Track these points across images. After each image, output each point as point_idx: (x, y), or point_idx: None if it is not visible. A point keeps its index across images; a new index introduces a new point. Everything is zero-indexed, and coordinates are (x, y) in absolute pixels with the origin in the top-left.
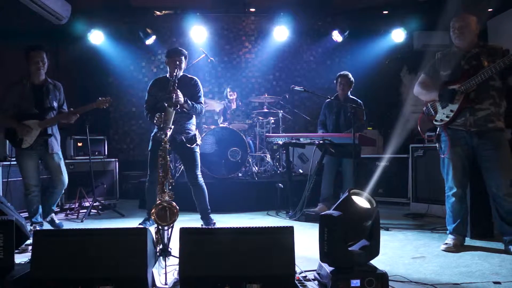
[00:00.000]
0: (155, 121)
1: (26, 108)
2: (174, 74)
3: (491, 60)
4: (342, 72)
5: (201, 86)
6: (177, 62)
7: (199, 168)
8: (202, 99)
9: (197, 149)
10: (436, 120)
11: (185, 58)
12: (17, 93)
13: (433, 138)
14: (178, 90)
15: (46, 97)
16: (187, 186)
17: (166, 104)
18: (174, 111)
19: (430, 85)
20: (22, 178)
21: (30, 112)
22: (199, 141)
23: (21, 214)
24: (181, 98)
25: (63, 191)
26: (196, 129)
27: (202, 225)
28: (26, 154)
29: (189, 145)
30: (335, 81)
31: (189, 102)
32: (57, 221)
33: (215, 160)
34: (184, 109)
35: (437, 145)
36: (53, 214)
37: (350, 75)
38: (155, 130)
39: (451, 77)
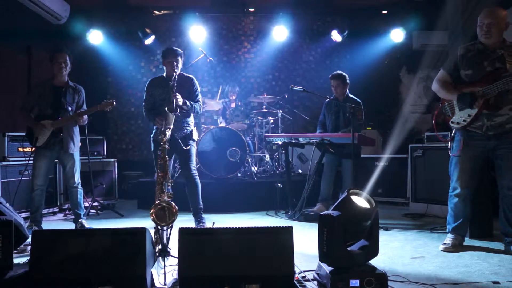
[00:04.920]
0: (155, 124)
1: (43, 108)
2: (173, 77)
3: None
4: (332, 74)
5: (198, 85)
6: (174, 63)
7: (194, 163)
8: (200, 98)
9: (194, 144)
10: (452, 122)
11: (181, 57)
12: (38, 94)
13: (444, 139)
14: (177, 94)
15: (62, 99)
16: (183, 186)
17: (166, 109)
18: (174, 115)
19: (449, 83)
20: (31, 175)
21: (46, 112)
22: (195, 137)
23: (20, 214)
24: (180, 101)
25: (79, 192)
26: (194, 126)
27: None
28: (40, 154)
29: (186, 140)
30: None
31: (187, 103)
32: (86, 226)
33: (214, 160)
34: (183, 110)
35: (449, 144)
36: (82, 220)
37: (342, 74)
38: (155, 130)
39: (471, 77)
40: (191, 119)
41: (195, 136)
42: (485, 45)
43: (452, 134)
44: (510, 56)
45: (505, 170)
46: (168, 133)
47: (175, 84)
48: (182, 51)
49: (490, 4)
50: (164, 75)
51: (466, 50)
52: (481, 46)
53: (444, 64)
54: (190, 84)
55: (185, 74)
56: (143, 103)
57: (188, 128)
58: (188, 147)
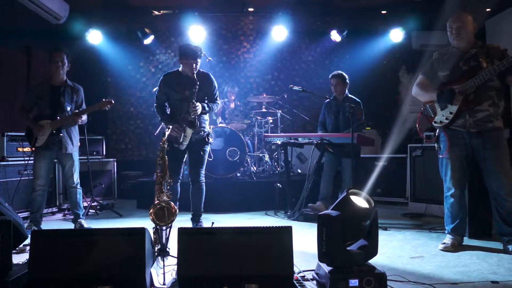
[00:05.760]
0: (170, 132)
1: (42, 108)
2: (194, 89)
3: (489, 61)
4: (332, 73)
5: (216, 83)
6: (193, 65)
7: (204, 168)
8: (218, 97)
9: (208, 149)
10: (435, 122)
11: (200, 57)
12: (36, 94)
13: (432, 139)
14: (197, 104)
15: (61, 98)
16: (186, 186)
17: (185, 126)
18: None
19: (428, 86)
20: (32, 176)
21: (45, 112)
22: (211, 139)
23: (19, 214)
24: (199, 111)
25: (78, 191)
26: (210, 126)
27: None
28: (40, 154)
29: (203, 145)
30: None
31: (206, 107)
32: (86, 226)
33: (213, 160)
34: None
35: (436, 145)
36: (81, 220)
37: (342, 74)
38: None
39: (449, 78)
40: (206, 118)
41: (211, 138)
42: (457, 48)
43: (436, 134)
44: (483, 54)
45: (492, 170)
46: (183, 146)
47: (195, 97)
48: (201, 49)
49: (491, 4)
50: (180, 69)
51: (440, 54)
52: (454, 49)
53: (422, 69)
54: (209, 83)
55: (202, 72)
56: (155, 99)
57: (204, 129)
58: (204, 152)
